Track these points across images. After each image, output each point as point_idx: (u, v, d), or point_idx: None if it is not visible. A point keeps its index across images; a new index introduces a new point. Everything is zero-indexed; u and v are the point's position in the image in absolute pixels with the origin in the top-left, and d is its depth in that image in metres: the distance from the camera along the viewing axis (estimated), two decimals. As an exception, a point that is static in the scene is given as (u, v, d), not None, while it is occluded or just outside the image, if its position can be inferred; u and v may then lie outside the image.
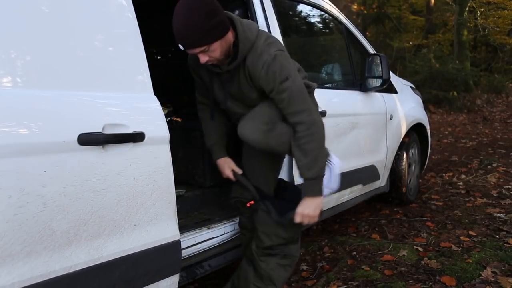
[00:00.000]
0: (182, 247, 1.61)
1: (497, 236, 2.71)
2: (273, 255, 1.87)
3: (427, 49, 11.76)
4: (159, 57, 2.90)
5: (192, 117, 2.64)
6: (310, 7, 2.76)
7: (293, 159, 1.77)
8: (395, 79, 3.43)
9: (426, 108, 4.72)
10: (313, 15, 2.94)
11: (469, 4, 11.13)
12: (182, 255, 1.62)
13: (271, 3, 2.22)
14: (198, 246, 1.86)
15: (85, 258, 1.26)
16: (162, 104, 1.51)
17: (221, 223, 2.03)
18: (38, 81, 1.20)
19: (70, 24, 1.29)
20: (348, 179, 2.69)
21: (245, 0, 2.14)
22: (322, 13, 2.86)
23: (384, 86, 2.93)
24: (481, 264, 2.31)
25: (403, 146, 3.36)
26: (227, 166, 1.94)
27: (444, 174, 4.52)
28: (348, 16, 3.41)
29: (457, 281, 2.17)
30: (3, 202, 1.07)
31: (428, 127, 3.75)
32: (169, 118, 2.41)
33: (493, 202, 3.45)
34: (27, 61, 1.19)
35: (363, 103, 2.84)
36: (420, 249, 2.61)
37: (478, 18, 11.81)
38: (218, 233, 1.98)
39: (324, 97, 2.28)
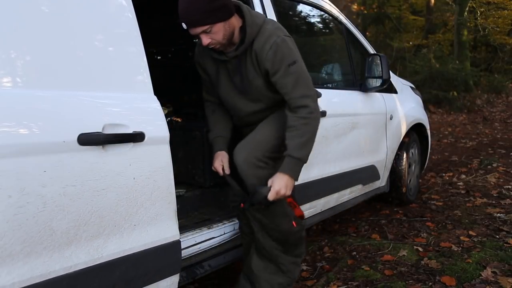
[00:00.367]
0: (182, 247, 1.61)
1: (497, 236, 2.71)
2: (269, 260, 1.86)
3: (427, 49, 11.76)
4: (159, 57, 2.90)
5: (192, 117, 2.65)
6: (310, 7, 2.76)
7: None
8: (395, 79, 3.43)
9: (426, 108, 4.72)
10: (313, 15, 2.94)
11: (469, 4, 11.13)
12: (182, 255, 1.62)
13: (271, 3, 2.22)
14: (198, 246, 1.86)
15: (85, 258, 1.26)
16: (162, 104, 1.51)
17: (221, 223, 2.03)
18: (38, 81, 1.20)
19: (70, 24, 1.29)
20: (348, 179, 2.69)
21: (245, 0, 2.14)
22: (322, 13, 2.86)
23: (384, 86, 2.93)
24: (481, 264, 2.31)
25: (403, 146, 3.36)
26: (219, 160, 1.90)
27: (444, 174, 4.52)
28: (348, 16, 3.41)
29: (457, 281, 2.17)
30: (3, 202, 1.07)
31: (428, 127, 3.75)
32: (169, 118, 2.41)
33: (493, 202, 3.45)
34: (27, 61, 1.19)
35: (363, 103, 2.84)
36: (420, 249, 2.61)
37: (478, 18, 11.81)
38: (218, 233, 1.98)
39: (324, 97, 2.28)
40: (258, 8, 2.14)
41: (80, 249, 1.25)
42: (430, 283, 2.17)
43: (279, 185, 1.68)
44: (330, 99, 2.45)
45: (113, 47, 1.39)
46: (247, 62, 1.73)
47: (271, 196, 1.69)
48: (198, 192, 2.41)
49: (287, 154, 1.70)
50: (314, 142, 1.75)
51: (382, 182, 3.18)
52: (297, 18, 2.90)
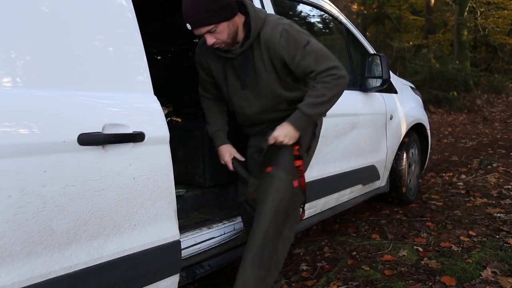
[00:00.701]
0: (182, 247, 1.61)
1: (497, 236, 2.70)
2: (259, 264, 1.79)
3: (427, 49, 11.76)
4: (159, 57, 2.90)
5: (192, 117, 2.65)
6: (310, 7, 2.76)
7: None
8: (395, 79, 3.43)
9: (426, 108, 4.72)
10: (313, 15, 2.94)
11: (469, 4, 11.13)
12: (182, 255, 1.62)
13: (271, 3, 2.22)
14: (198, 246, 1.86)
15: (85, 258, 1.26)
16: (162, 104, 1.51)
17: (221, 223, 2.03)
18: (38, 81, 1.20)
19: (70, 24, 1.29)
20: (348, 179, 2.69)
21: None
22: (322, 13, 2.86)
23: (384, 86, 2.93)
24: (481, 264, 2.31)
25: (403, 146, 3.36)
26: (228, 153, 1.91)
27: (444, 174, 4.52)
28: (348, 16, 3.41)
29: (457, 281, 2.17)
30: (3, 202, 1.07)
31: (428, 127, 3.75)
32: (169, 118, 2.41)
33: (493, 202, 3.45)
34: (27, 61, 1.19)
35: (363, 103, 2.84)
36: (420, 249, 2.61)
37: (478, 18, 11.81)
38: (218, 233, 1.98)
39: (324, 97, 2.28)
40: (258, 8, 2.14)
41: (80, 249, 1.25)
42: (430, 283, 2.17)
43: (279, 132, 1.71)
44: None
45: (113, 47, 1.39)
46: (255, 56, 1.73)
47: (270, 139, 1.72)
48: (198, 192, 2.42)
49: (298, 106, 1.73)
50: (329, 106, 1.76)
51: (382, 182, 3.18)
52: (297, 18, 2.90)
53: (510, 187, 3.84)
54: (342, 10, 6.36)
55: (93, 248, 1.28)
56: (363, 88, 2.86)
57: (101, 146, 1.28)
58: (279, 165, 1.77)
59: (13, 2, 1.18)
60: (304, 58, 1.69)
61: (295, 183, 1.80)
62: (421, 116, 3.63)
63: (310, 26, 3.09)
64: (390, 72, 2.98)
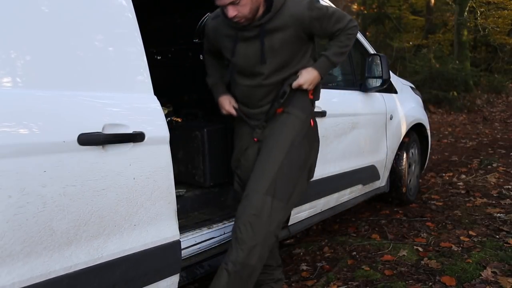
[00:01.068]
0: (182, 247, 1.61)
1: (497, 236, 2.70)
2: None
3: (427, 49, 11.75)
4: (159, 57, 2.90)
5: (192, 117, 2.65)
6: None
7: None
8: (395, 79, 3.43)
9: (426, 108, 4.72)
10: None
11: (469, 4, 11.12)
12: (182, 255, 1.62)
13: (271, 3, 2.22)
14: (198, 246, 1.86)
15: (85, 258, 1.26)
16: (162, 104, 1.51)
17: (221, 223, 2.03)
18: (38, 81, 1.20)
19: (70, 24, 1.29)
20: (348, 179, 2.69)
21: None
22: (322, 13, 2.86)
23: (384, 86, 2.93)
24: (481, 264, 2.31)
25: (403, 146, 3.36)
26: (228, 101, 1.94)
27: (444, 174, 4.52)
28: (348, 16, 3.40)
29: (457, 281, 2.17)
30: (3, 202, 1.07)
31: (428, 127, 3.75)
32: (169, 118, 2.41)
33: (493, 202, 3.45)
34: (27, 61, 1.19)
35: (363, 103, 2.84)
36: (420, 249, 2.61)
37: (478, 18, 11.80)
38: (218, 233, 1.98)
39: (324, 97, 2.27)
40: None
41: (80, 249, 1.25)
42: (430, 283, 2.17)
43: (305, 79, 1.80)
44: (330, 99, 2.45)
45: (113, 47, 1.39)
46: (275, 28, 1.74)
47: (295, 84, 1.79)
48: (198, 192, 2.41)
49: (325, 54, 1.85)
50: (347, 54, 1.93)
51: (382, 182, 3.18)
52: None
53: (510, 187, 3.84)
54: (342, 10, 6.35)
55: (93, 248, 1.28)
56: (363, 88, 2.86)
57: (101, 146, 1.28)
58: (295, 105, 1.85)
59: (13, 2, 1.18)
60: (332, 22, 1.81)
61: (312, 122, 1.90)
62: (421, 116, 3.63)
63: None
64: (390, 72, 2.98)
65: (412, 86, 3.95)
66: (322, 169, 2.40)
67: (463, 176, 4.37)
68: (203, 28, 2.00)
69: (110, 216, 1.31)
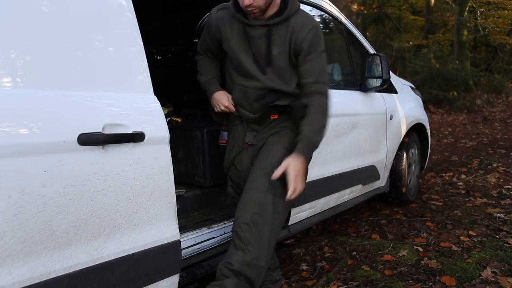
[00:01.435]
0: (182, 247, 1.61)
1: (497, 236, 2.71)
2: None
3: (427, 49, 11.76)
4: (159, 57, 2.90)
5: (192, 117, 2.65)
6: (310, 7, 2.76)
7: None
8: (395, 79, 3.43)
9: (426, 108, 4.72)
10: (313, 15, 2.93)
11: (469, 4, 11.13)
12: (182, 255, 1.62)
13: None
14: (198, 246, 1.86)
15: (85, 258, 1.26)
16: (162, 104, 1.51)
17: (221, 223, 2.03)
18: (38, 81, 1.20)
19: (70, 24, 1.29)
20: (348, 179, 2.69)
21: None
22: (322, 13, 2.86)
23: (384, 86, 2.93)
24: (481, 264, 2.31)
25: (403, 146, 3.36)
26: (226, 97, 1.89)
27: (444, 174, 4.52)
28: (348, 16, 3.41)
29: (457, 281, 2.17)
30: (3, 202, 1.07)
31: (428, 127, 3.75)
32: (169, 118, 2.41)
33: (493, 202, 3.45)
34: (27, 61, 1.19)
35: (363, 103, 2.84)
36: (420, 249, 2.61)
37: (478, 18, 11.81)
38: (218, 233, 1.98)
39: (324, 97, 2.28)
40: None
41: (80, 249, 1.25)
42: (430, 283, 2.17)
43: (297, 167, 1.66)
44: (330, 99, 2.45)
45: (113, 47, 1.39)
46: (278, 34, 1.74)
47: (290, 196, 1.66)
48: (198, 192, 2.42)
49: (303, 136, 1.71)
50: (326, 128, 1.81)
51: (382, 182, 3.18)
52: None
53: (510, 187, 3.84)
54: (342, 10, 6.35)
55: (93, 248, 1.28)
56: (363, 88, 2.85)
57: (101, 146, 1.28)
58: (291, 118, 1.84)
59: (14, 2, 1.18)
60: (316, 60, 1.76)
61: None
62: (421, 116, 3.63)
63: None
64: (390, 72, 2.98)
65: (412, 86, 3.95)
66: (322, 169, 2.40)
67: (463, 176, 4.37)
68: (205, 23, 1.97)
69: (110, 216, 1.31)
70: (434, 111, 9.85)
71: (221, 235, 1.99)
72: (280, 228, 1.81)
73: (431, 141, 3.96)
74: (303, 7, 2.76)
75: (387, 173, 3.23)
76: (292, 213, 2.24)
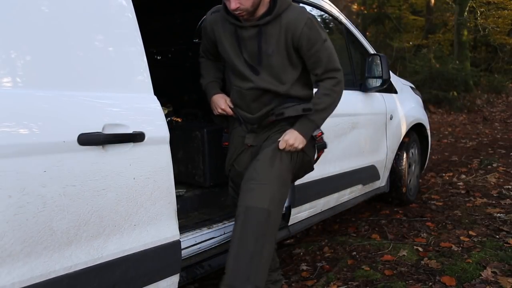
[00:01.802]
0: (182, 247, 1.61)
1: (497, 236, 2.71)
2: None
3: (427, 49, 11.75)
4: (159, 57, 2.90)
5: (192, 117, 2.65)
6: (310, 7, 2.76)
7: None
8: (395, 79, 3.43)
9: (426, 108, 4.72)
10: (313, 15, 2.93)
11: (469, 4, 11.12)
12: (182, 255, 1.62)
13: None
14: (198, 246, 1.86)
15: (85, 258, 1.26)
16: (162, 104, 1.51)
17: (221, 223, 2.03)
18: (38, 81, 1.20)
19: (70, 24, 1.29)
20: (348, 179, 2.69)
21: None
22: (322, 13, 2.86)
23: (384, 86, 2.93)
24: (481, 264, 2.31)
25: (403, 146, 3.36)
26: (223, 100, 1.90)
27: (444, 174, 4.52)
28: (348, 16, 3.41)
29: (457, 281, 2.17)
30: (3, 202, 1.07)
31: (428, 127, 3.75)
32: (169, 118, 2.41)
33: (493, 202, 3.45)
34: (27, 61, 1.19)
35: (363, 103, 2.84)
36: (420, 249, 2.61)
37: (478, 18, 11.80)
38: (218, 233, 1.98)
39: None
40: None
41: (80, 249, 1.25)
42: (430, 283, 2.17)
43: (289, 136, 1.76)
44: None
45: (113, 47, 1.39)
46: (270, 33, 1.73)
47: (281, 144, 1.76)
48: (198, 192, 2.42)
49: (306, 114, 1.79)
50: (331, 111, 1.86)
51: (382, 182, 3.18)
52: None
53: (510, 187, 3.84)
54: (342, 10, 6.35)
55: (93, 248, 1.28)
56: (363, 88, 2.85)
57: (101, 146, 1.28)
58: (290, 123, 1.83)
59: (14, 2, 1.18)
60: (320, 51, 1.76)
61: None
62: (421, 116, 3.63)
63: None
64: (390, 72, 2.98)
65: (412, 86, 3.95)
66: (322, 169, 2.40)
67: (463, 176, 4.37)
68: (202, 26, 1.98)
69: (110, 216, 1.31)
70: (434, 111, 9.85)
71: (221, 235, 1.99)
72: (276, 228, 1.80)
73: (431, 141, 3.96)
74: (303, 7, 2.77)
75: (387, 173, 3.23)
76: (292, 213, 2.24)
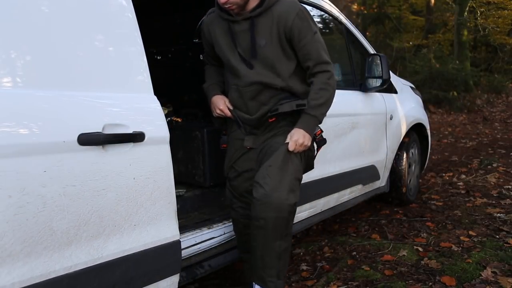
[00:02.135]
0: (182, 247, 1.61)
1: (497, 236, 2.71)
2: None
3: (427, 49, 11.75)
4: (159, 57, 2.90)
5: (192, 117, 2.65)
6: (310, 7, 2.76)
7: None
8: (395, 79, 3.43)
9: (426, 108, 4.72)
10: (313, 15, 2.93)
11: (469, 4, 11.12)
12: (182, 255, 1.62)
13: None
14: (198, 246, 1.86)
15: (85, 258, 1.26)
16: (162, 104, 1.51)
17: (221, 223, 2.03)
18: (38, 81, 1.20)
19: (71, 24, 1.29)
20: (348, 179, 2.69)
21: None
22: (322, 13, 2.86)
23: (384, 86, 2.93)
24: (481, 264, 2.31)
25: (403, 146, 3.36)
26: (223, 101, 1.90)
27: (444, 174, 4.52)
28: (348, 16, 3.41)
29: (457, 281, 2.17)
30: (3, 202, 1.07)
31: (428, 127, 3.75)
32: (169, 118, 2.41)
33: (493, 202, 3.45)
34: (27, 61, 1.19)
35: (363, 103, 2.84)
36: (420, 249, 2.61)
37: (478, 18, 11.80)
38: (218, 233, 1.98)
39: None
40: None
41: (80, 249, 1.25)
42: (430, 283, 2.17)
43: (297, 136, 1.76)
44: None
45: (113, 47, 1.39)
46: (262, 25, 1.74)
47: (291, 146, 1.75)
48: (198, 192, 2.42)
49: (304, 111, 1.79)
50: (330, 105, 1.86)
51: (382, 182, 3.18)
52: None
53: (510, 187, 3.84)
54: (342, 10, 6.35)
55: (93, 248, 1.28)
56: (363, 88, 2.85)
57: (101, 146, 1.28)
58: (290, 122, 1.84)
59: (14, 2, 1.18)
60: (311, 43, 1.76)
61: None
62: (421, 116, 3.63)
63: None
64: (390, 72, 2.98)
65: (412, 86, 3.95)
66: (322, 169, 2.40)
67: (463, 176, 4.37)
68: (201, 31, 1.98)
69: (110, 216, 1.31)
70: (434, 111, 9.85)
71: (221, 235, 1.99)
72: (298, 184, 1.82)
73: (431, 141, 3.96)
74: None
75: (387, 173, 3.23)
76: (292, 213, 2.24)
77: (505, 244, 2.56)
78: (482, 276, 2.18)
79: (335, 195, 2.60)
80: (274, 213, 1.69)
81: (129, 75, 1.43)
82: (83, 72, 1.30)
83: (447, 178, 4.37)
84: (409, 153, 3.48)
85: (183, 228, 1.77)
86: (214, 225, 1.99)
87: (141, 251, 1.41)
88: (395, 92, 3.33)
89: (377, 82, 2.89)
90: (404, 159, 3.36)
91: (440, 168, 4.87)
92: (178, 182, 1.61)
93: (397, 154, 3.31)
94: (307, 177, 2.24)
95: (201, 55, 2.11)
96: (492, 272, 2.21)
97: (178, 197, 1.64)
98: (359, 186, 2.86)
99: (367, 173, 2.92)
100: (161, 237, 1.48)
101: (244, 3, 1.70)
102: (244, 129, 1.89)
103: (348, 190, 2.73)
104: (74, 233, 1.22)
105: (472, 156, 5.39)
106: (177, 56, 2.82)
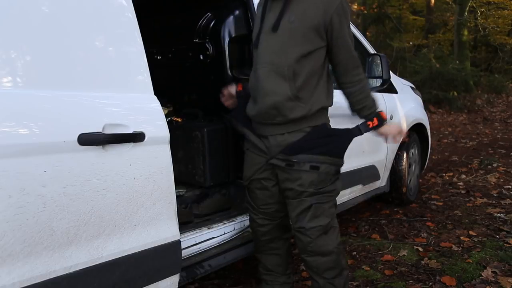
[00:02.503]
0: (182, 247, 1.61)
1: (497, 236, 2.71)
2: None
3: (427, 49, 11.76)
4: (159, 57, 2.90)
5: (192, 117, 2.65)
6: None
7: None
8: (395, 79, 3.42)
9: (426, 108, 4.71)
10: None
11: (469, 4, 11.12)
12: (182, 255, 1.62)
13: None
14: (198, 246, 1.87)
15: (85, 258, 1.26)
16: (162, 104, 1.51)
17: (221, 223, 2.03)
18: (38, 81, 1.20)
19: (71, 24, 1.29)
20: (348, 179, 2.69)
21: (245, 0, 2.14)
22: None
23: (384, 86, 2.92)
24: (481, 264, 2.31)
25: (403, 146, 3.36)
26: (228, 87, 1.99)
27: (444, 174, 4.52)
28: (348, 16, 3.39)
29: (457, 281, 2.17)
30: (3, 202, 1.07)
31: (428, 127, 3.75)
32: (169, 118, 2.41)
33: (493, 202, 3.45)
34: (27, 61, 1.19)
35: (363, 103, 2.83)
36: (420, 249, 2.61)
37: (478, 18, 11.80)
38: (218, 233, 1.98)
39: (324, 97, 2.27)
40: (258, 8, 2.13)
41: (80, 249, 1.25)
42: (430, 283, 2.17)
43: (388, 130, 1.86)
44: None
45: (113, 47, 1.39)
46: (298, 4, 1.66)
47: (391, 139, 1.87)
48: (198, 192, 2.41)
49: (372, 111, 1.84)
50: None
51: (382, 182, 3.18)
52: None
53: (510, 187, 3.84)
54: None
55: (93, 248, 1.28)
56: (363, 88, 2.85)
57: (101, 146, 1.28)
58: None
59: (14, 2, 1.18)
60: (348, 36, 1.77)
61: None
62: (421, 116, 3.63)
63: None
64: (390, 72, 2.97)
65: (412, 86, 3.94)
66: (322, 169, 2.39)
67: (463, 176, 4.37)
68: (204, 28, 1.96)
69: (110, 216, 1.31)
70: (434, 111, 9.85)
71: (221, 235, 1.99)
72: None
73: (431, 141, 3.96)
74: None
75: (387, 173, 3.23)
76: (292, 213, 2.24)
77: (505, 244, 2.56)
78: (482, 276, 2.18)
79: (335, 195, 2.59)
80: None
81: (129, 75, 1.43)
82: (83, 72, 1.30)
83: (447, 178, 4.37)
84: (409, 153, 3.48)
85: (183, 228, 1.77)
86: (214, 225, 1.99)
87: (141, 251, 1.41)
88: (395, 92, 3.33)
89: (377, 82, 2.88)
90: (404, 159, 3.36)
91: (440, 168, 4.87)
92: (178, 182, 1.61)
93: (397, 154, 3.31)
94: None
95: (201, 56, 2.10)
96: (492, 272, 2.21)
97: (178, 197, 1.64)
98: (359, 186, 2.86)
99: (367, 173, 2.92)
100: (161, 237, 1.48)
101: None
102: (258, 137, 1.80)
103: (348, 190, 2.73)
104: (74, 233, 1.22)
105: (472, 156, 5.39)
106: (177, 56, 2.82)
